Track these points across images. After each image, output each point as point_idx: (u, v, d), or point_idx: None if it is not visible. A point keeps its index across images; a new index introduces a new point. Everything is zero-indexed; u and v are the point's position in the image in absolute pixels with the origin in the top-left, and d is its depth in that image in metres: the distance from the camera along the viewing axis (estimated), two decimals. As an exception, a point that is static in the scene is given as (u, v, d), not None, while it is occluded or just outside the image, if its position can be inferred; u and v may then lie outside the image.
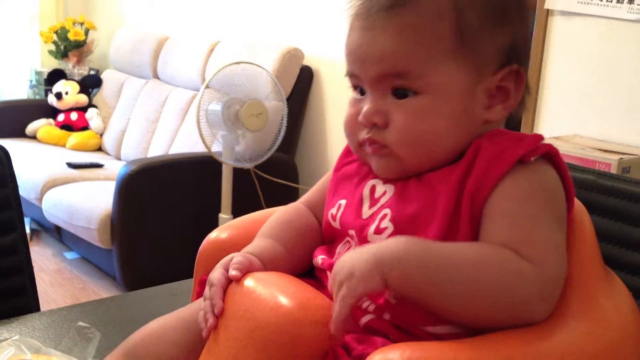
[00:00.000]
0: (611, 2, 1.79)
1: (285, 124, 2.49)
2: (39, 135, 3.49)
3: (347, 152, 0.63)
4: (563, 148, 1.73)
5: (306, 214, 0.64)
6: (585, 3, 1.85)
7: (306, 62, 2.75)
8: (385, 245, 0.49)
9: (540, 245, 0.50)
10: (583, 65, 1.88)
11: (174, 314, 0.57)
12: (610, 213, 0.96)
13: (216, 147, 2.40)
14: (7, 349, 0.66)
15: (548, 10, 1.94)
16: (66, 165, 3.03)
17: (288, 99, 2.60)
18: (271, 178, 2.53)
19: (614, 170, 1.60)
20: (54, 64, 3.88)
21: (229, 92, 2.34)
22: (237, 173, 2.47)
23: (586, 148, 1.75)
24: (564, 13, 1.92)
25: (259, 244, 0.60)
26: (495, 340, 0.45)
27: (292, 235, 0.62)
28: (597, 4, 1.82)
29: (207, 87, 2.33)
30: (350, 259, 0.49)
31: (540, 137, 0.55)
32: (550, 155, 0.55)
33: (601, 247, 0.96)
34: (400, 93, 0.55)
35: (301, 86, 2.77)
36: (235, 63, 2.35)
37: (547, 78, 1.99)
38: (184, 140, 2.94)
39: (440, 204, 0.53)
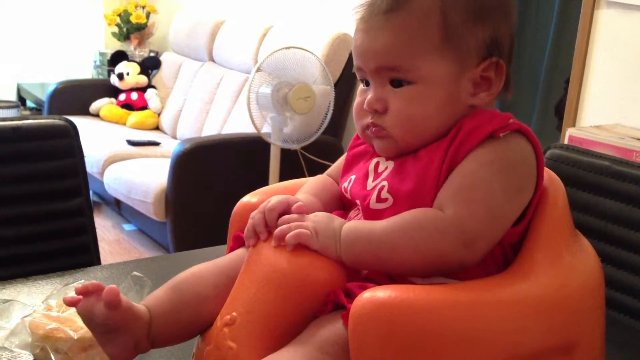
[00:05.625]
0: (657, -7, 1.79)
1: (332, 107, 2.57)
2: (101, 114, 3.68)
3: (358, 136, 0.73)
4: (603, 137, 1.76)
5: (334, 182, 0.75)
6: (631, -7, 1.85)
7: (355, 47, 2.82)
8: (342, 227, 0.61)
9: (470, 203, 0.58)
10: (627, 55, 1.89)
11: (212, 262, 0.69)
12: (622, 197, 1.02)
13: (265, 129, 2.51)
14: (73, 290, 0.79)
15: (594, 0, 1.95)
16: (126, 143, 3.21)
17: (336, 84, 2.68)
18: (317, 159, 2.62)
19: (652, 161, 1.62)
20: (116, 45, 4.07)
21: (279, 75, 2.44)
22: (285, 154, 2.57)
23: (626, 137, 1.76)
24: (610, 4, 1.92)
25: (301, 197, 0.70)
26: (466, 285, 0.54)
27: (327, 194, 0.73)
28: (644, -5, 1.82)
29: (258, 70, 2.44)
30: (324, 220, 0.61)
31: (509, 116, 0.64)
32: (522, 132, 0.63)
33: (613, 229, 1.03)
34: (396, 83, 0.65)
35: (350, 71, 2.83)
36: (286, 48, 2.44)
37: (591, 67, 2.00)
38: (236, 121, 3.06)
39: (430, 174, 0.62)
